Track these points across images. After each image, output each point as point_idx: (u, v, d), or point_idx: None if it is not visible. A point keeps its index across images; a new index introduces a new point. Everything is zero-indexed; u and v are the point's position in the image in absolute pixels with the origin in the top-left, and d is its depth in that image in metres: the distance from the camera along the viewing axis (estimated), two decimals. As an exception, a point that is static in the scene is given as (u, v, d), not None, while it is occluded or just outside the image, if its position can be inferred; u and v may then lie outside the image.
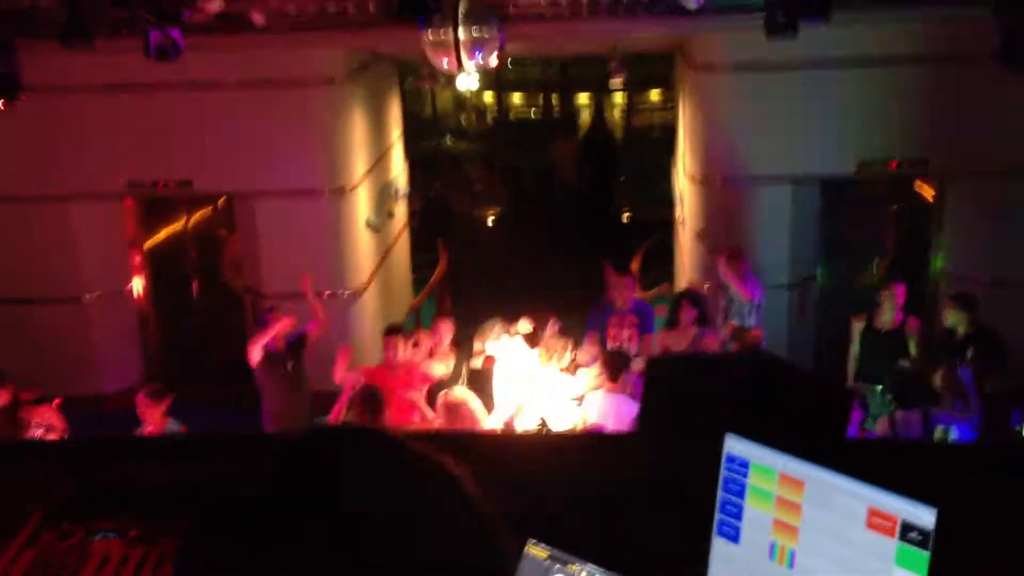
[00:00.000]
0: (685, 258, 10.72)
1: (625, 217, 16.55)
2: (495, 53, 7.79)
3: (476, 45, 7.60)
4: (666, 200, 13.48)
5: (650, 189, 16.14)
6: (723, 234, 9.79)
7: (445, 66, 7.80)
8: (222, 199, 11.41)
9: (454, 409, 6.81)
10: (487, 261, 13.93)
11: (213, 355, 11.23)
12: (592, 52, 14.30)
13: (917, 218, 10.70)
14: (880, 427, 7.16)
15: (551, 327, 8.31)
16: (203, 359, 11.27)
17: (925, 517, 1.87)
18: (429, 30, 7.45)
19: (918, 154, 9.77)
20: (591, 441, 2.97)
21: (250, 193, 10.54)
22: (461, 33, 7.37)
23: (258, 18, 8.41)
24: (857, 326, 8.62)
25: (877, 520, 1.94)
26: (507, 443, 2.93)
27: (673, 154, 12.84)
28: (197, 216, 11.82)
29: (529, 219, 15.75)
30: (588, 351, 8.21)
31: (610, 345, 8.32)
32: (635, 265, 10.57)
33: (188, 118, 10.23)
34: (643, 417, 2.53)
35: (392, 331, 8.32)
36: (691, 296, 8.64)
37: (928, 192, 10.55)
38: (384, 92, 12.63)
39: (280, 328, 8.31)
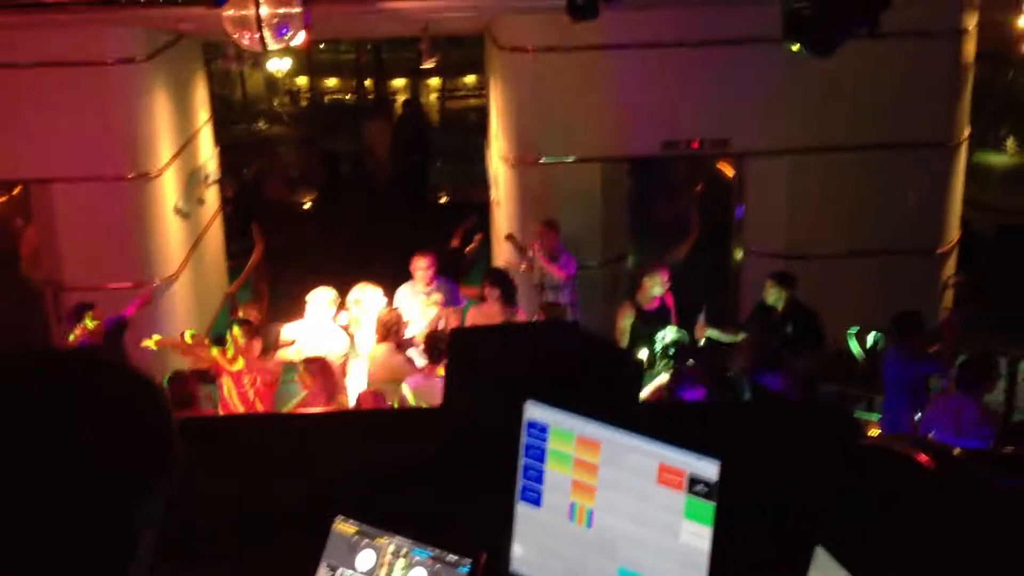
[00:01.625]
0: (501, 239, 10.83)
1: (442, 199, 16.60)
2: (301, 31, 7.65)
3: (280, 22, 7.45)
4: (483, 182, 13.60)
5: (466, 172, 16.23)
6: (535, 214, 9.98)
7: (247, 44, 7.61)
8: (17, 187, 10.79)
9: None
10: (304, 246, 13.71)
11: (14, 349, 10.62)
12: (404, 34, 14.27)
13: (720, 197, 11.17)
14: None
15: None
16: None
17: (709, 469, 1.97)
18: (230, 6, 7.25)
19: (720, 134, 10.19)
20: (399, 416, 2.98)
21: (47, 180, 10.01)
22: (263, 9, 7.21)
23: (49, -6, 7.98)
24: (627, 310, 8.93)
25: (667, 475, 2.03)
26: (314, 422, 2.91)
27: (487, 136, 12.95)
28: (-10, 204, 11.16)
29: (345, 203, 15.59)
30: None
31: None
32: (455, 243, 10.66)
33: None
34: (447, 388, 2.56)
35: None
36: (493, 275, 8.84)
37: (727, 170, 11.04)
38: (189, 74, 12.19)
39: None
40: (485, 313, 8.34)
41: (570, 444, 2.18)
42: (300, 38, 7.63)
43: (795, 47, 7.07)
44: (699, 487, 1.98)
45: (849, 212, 10.17)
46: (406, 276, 9.25)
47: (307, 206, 15.94)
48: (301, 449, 2.58)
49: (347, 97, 22.30)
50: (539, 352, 2.42)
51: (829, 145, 10.00)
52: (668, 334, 8.45)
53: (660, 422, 2.06)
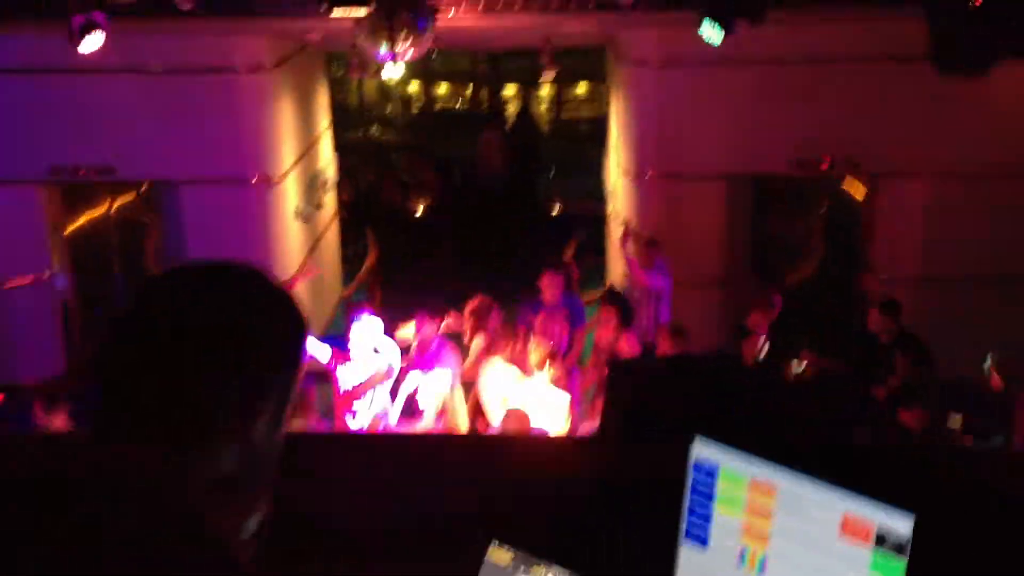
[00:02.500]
0: (617, 253, 10.74)
1: (554, 210, 16.55)
2: (427, 44, 7.72)
3: (408, 35, 7.52)
4: (595, 194, 13.52)
5: (578, 183, 16.15)
6: (655, 230, 9.85)
7: (378, 56, 7.71)
8: (145, 185, 11.13)
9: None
10: (416, 253, 13.82)
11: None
12: (522, 45, 14.28)
13: (847, 217, 10.87)
14: None
15: (495, 318, 8.20)
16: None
17: (902, 524, 1.86)
18: (362, 19, 7.34)
19: (850, 153, 9.91)
20: (555, 443, 2.92)
21: (175, 181, 10.30)
22: (394, 23, 7.28)
23: (185, 3, 8.17)
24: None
25: (852, 527, 1.93)
26: (470, 445, 2.88)
27: (604, 148, 12.88)
28: (120, 202, 11.50)
29: (458, 211, 15.64)
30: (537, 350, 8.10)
31: (540, 341, 8.28)
32: (568, 256, 10.58)
33: (112, 104, 9.95)
34: (605, 420, 2.50)
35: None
36: (609, 296, 8.74)
37: (858, 191, 10.73)
38: (312, 81, 12.44)
39: None
40: (604, 334, 8.25)
41: (742, 487, 2.09)
42: (424, 50, 7.69)
43: (943, 67, 6.83)
44: (888, 542, 1.88)
45: (985, 235, 9.76)
46: (517, 286, 9.23)
47: (420, 213, 16.06)
48: (455, 471, 2.55)
49: (458, 105, 22.43)
50: (707, 387, 2.34)
51: (967, 168, 9.63)
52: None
53: (843, 466, 1.95)
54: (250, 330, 1.35)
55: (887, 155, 9.80)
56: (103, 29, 7.43)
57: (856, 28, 9.27)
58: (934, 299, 9.36)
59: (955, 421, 6.61)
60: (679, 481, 2.18)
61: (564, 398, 7.27)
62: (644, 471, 2.30)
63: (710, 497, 2.14)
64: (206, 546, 1.23)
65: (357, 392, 7.49)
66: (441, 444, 3.26)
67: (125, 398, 1.31)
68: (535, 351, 7.46)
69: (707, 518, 2.15)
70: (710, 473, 2.14)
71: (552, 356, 7.52)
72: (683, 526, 2.19)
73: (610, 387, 2.56)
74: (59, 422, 6.93)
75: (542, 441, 3.40)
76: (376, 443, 3.39)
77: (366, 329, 7.60)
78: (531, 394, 7.28)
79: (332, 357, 7.63)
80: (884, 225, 10.26)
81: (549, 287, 8.59)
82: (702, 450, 2.16)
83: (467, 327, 8.28)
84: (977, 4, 6.87)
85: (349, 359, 7.58)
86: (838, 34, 9.37)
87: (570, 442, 3.71)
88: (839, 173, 10.43)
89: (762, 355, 8.10)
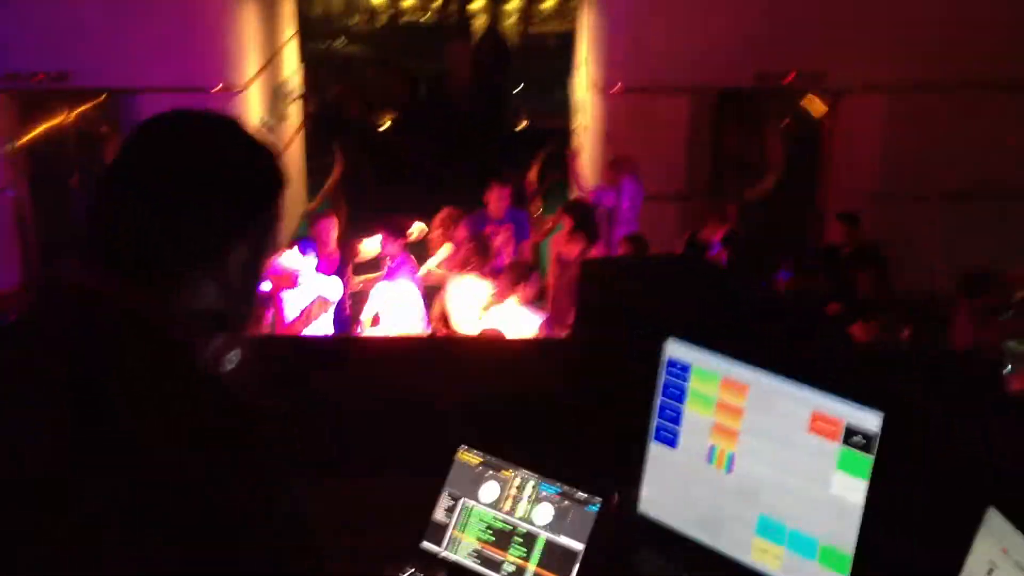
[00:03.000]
0: (583, 165, 10.68)
1: (521, 124, 16.42)
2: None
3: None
4: (560, 108, 13.39)
5: (546, 98, 16.02)
6: (620, 144, 9.80)
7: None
8: (104, 95, 10.86)
9: None
10: (382, 168, 13.66)
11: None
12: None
13: (806, 133, 10.85)
14: None
15: (462, 229, 8.12)
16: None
17: (870, 422, 1.88)
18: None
19: (813, 68, 9.87)
20: (525, 345, 2.91)
21: (133, 88, 10.04)
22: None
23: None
24: None
25: (821, 424, 1.94)
26: (436, 347, 2.86)
27: (572, 63, 12.72)
28: (78, 112, 11.23)
29: (424, 125, 15.45)
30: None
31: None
32: (533, 175, 10.49)
33: (68, 8, 9.65)
34: (579, 320, 2.48)
35: None
36: (569, 206, 8.61)
37: (817, 108, 10.69)
38: (275, -12, 12.13)
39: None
40: (564, 244, 8.18)
41: (714, 385, 2.10)
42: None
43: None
44: (856, 438, 1.89)
45: (946, 152, 9.80)
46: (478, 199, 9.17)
47: (385, 127, 15.85)
48: (424, 375, 2.53)
49: (425, 17, 22.05)
50: (680, 288, 2.33)
51: (929, 82, 9.63)
52: None
53: (815, 366, 1.96)
54: (227, 175, 1.45)
55: (849, 71, 9.77)
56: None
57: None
58: (892, 215, 9.42)
59: (903, 332, 6.71)
60: (650, 381, 2.18)
61: (537, 318, 7.25)
62: (616, 371, 2.30)
63: (680, 397, 2.15)
64: (196, 371, 1.36)
65: (297, 324, 7.35)
66: (409, 345, 3.23)
67: (109, 234, 1.41)
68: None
69: (676, 419, 2.16)
70: (682, 372, 2.14)
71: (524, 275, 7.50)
72: (653, 426, 2.20)
73: (581, 287, 2.54)
74: None
75: (512, 343, 3.39)
76: (342, 347, 3.36)
77: (309, 264, 7.44)
78: (504, 314, 7.26)
79: (277, 281, 7.41)
80: (843, 141, 10.26)
81: (496, 199, 8.50)
82: (675, 350, 2.16)
83: (434, 236, 8.24)
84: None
85: (295, 285, 7.39)
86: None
87: (541, 343, 3.71)
88: (801, 88, 10.37)
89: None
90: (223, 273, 1.43)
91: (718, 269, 2.63)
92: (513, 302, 7.28)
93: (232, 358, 1.43)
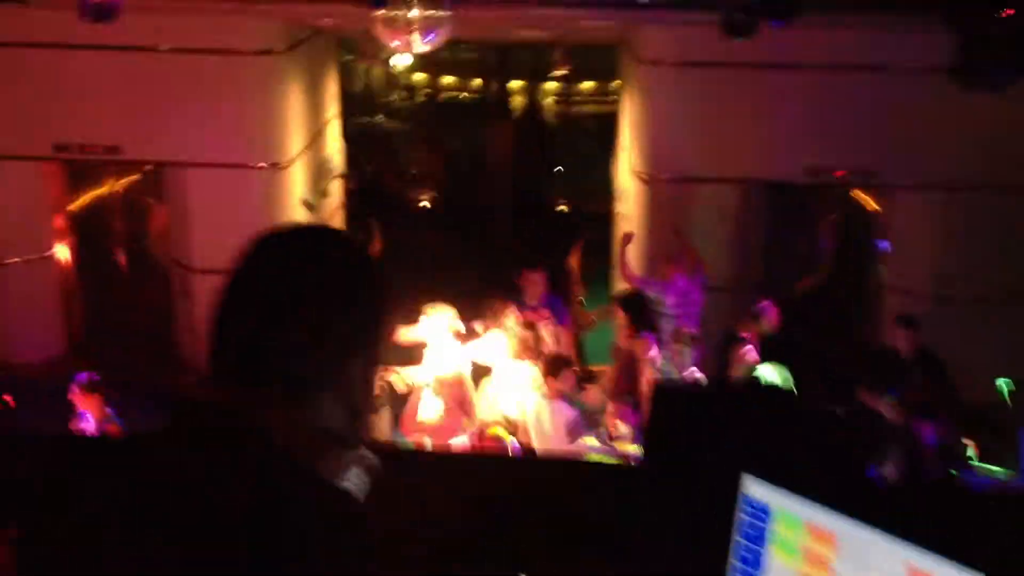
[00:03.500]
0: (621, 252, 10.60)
1: (561, 208, 16.43)
2: (445, 35, 7.58)
3: (429, 26, 7.38)
4: (601, 192, 13.38)
5: (585, 180, 16.04)
6: (664, 234, 9.71)
7: (394, 45, 7.57)
8: (150, 167, 11.00)
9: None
10: (420, 245, 13.68)
11: (138, 326, 10.87)
12: (535, 39, 14.14)
13: (858, 229, 10.72)
14: None
15: (511, 315, 8.06)
16: (127, 330, 10.86)
17: (972, 583, 1.75)
18: (382, 7, 7.20)
19: (866, 163, 9.78)
20: (594, 469, 2.80)
21: (181, 163, 10.17)
22: (415, 13, 7.14)
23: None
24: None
25: (918, 581, 1.82)
26: (499, 466, 2.76)
27: (614, 147, 12.74)
28: (125, 182, 11.38)
29: (463, 203, 15.51)
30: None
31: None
32: (574, 260, 10.45)
33: (120, 82, 9.82)
34: (648, 448, 2.38)
35: None
36: (622, 300, 8.51)
37: (869, 203, 10.59)
38: (322, 67, 12.30)
39: None
40: (622, 338, 8.14)
41: (798, 531, 1.98)
42: (443, 41, 7.55)
43: (963, 80, 6.72)
44: (957, 600, 1.77)
45: (1001, 253, 9.62)
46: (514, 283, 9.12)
47: (424, 203, 15.93)
48: (489, 490, 2.43)
49: (464, 95, 22.29)
50: (756, 420, 2.23)
51: (982, 182, 9.51)
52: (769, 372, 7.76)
53: (907, 516, 1.84)
54: (344, 290, 1.48)
55: (901, 167, 9.67)
56: (117, 7, 7.28)
57: (877, 36, 9.13)
58: (948, 318, 9.21)
59: (970, 449, 6.51)
60: (726, 519, 2.07)
61: (570, 412, 7.14)
62: (689, 505, 2.19)
63: (760, 540, 2.03)
64: (321, 488, 1.36)
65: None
66: (480, 462, 3.13)
67: (232, 350, 1.44)
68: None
69: (756, 562, 2.04)
70: (762, 513, 2.03)
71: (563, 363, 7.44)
72: (730, 568, 2.09)
73: (652, 413, 2.44)
74: (93, 405, 6.90)
75: (580, 466, 3.28)
76: (407, 458, 3.27)
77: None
78: (537, 405, 7.19)
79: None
80: (897, 239, 10.11)
81: (531, 285, 8.43)
82: (753, 489, 2.05)
83: (483, 324, 8.15)
84: (1004, 15, 6.75)
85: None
86: (858, 41, 9.22)
87: (610, 469, 3.58)
88: (853, 183, 10.28)
89: (748, 361, 7.99)
90: (344, 387, 1.44)
91: (792, 399, 2.53)
92: (545, 394, 7.21)
93: (352, 476, 1.45)
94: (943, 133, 9.37)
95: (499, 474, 2.45)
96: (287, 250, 1.52)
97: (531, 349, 7.59)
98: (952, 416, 6.91)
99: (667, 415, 2.30)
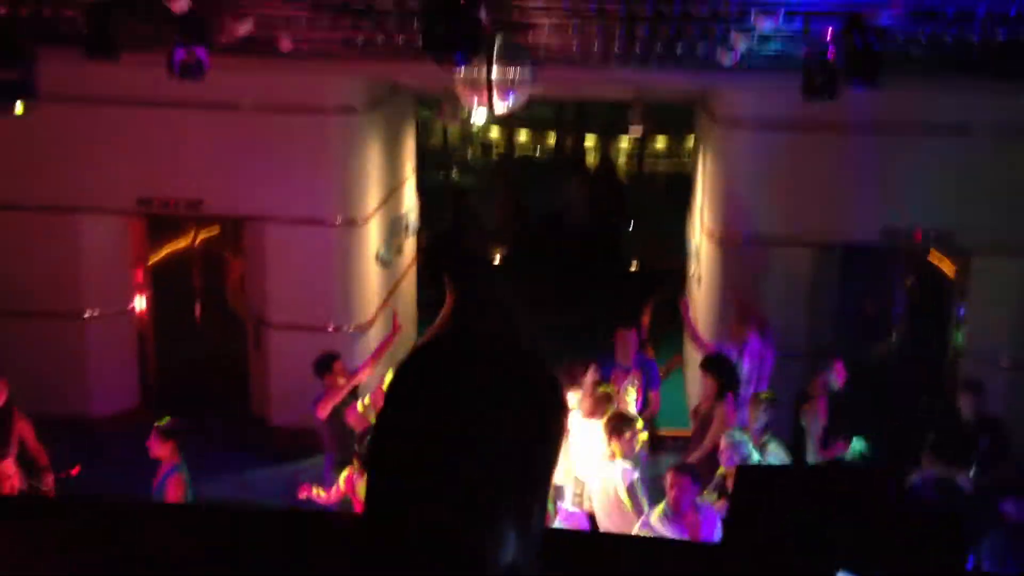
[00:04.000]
0: (699, 314, 10.48)
1: (635, 265, 16.34)
2: (527, 96, 7.63)
3: (509, 86, 7.44)
4: (674, 250, 13.29)
5: (658, 237, 15.96)
6: (738, 294, 9.61)
7: (476, 105, 7.64)
8: (230, 220, 11.20)
9: None
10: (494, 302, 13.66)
11: (212, 379, 11.00)
12: (611, 97, 14.18)
13: (935, 293, 10.49)
14: None
15: (591, 375, 8.04)
16: (201, 383, 10.99)
17: None
18: (463, 68, 7.27)
19: (943, 226, 9.58)
20: (673, 548, 2.71)
21: (260, 217, 10.33)
22: (496, 73, 7.21)
23: (285, 44, 8.20)
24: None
25: None
26: (585, 542, 2.68)
27: (688, 206, 12.66)
28: (204, 236, 11.60)
29: (537, 260, 15.50)
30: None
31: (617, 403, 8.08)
32: (646, 319, 10.36)
33: (204, 138, 10.06)
34: (731, 534, 2.30)
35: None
36: (707, 361, 8.40)
37: (946, 266, 10.36)
38: (400, 124, 12.46)
39: (359, 380, 8.04)
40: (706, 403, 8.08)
41: (895, 632, 1.88)
42: (523, 101, 7.60)
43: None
44: None
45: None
46: (598, 342, 9.08)
47: (498, 261, 15.95)
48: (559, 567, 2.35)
49: (538, 152, 22.41)
50: (852, 509, 2.13)
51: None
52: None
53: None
54: (532, 422, 1.29)
55: (981, 231, 9.45)
56: (205, 65, 7.46)
57: (957, 97, 8.98)
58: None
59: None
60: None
61: (631, 473, 7.05)
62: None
63: (855, 639, 1.93)
64: None
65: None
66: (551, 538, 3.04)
67: (414, 483, 1.25)
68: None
69: (850, 663, 1.94)
70: (856, 612, 1.93)
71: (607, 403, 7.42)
72: (820, 667, 1.98)
73: (736, 494, 2.36)
74: (166, 452, 7.02)
75: (658, 544, 3.18)
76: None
77: None
78: (599, 464, 7.12)
79: None
80: (975, 305, 9.85)
81: (623, 346, 8.42)
82: (847, 585, 1.95)
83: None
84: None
85: None
86: (939, 103, 9.08)
87: (691, 548, 3.48)
88: (930, 245, 10.07)
89: (819, 425, 7.89)
90: (528, 521, 1.27)
91: (891, 487, 2.42)
92: (607, 454, 7.13)
93: None
94: (1018, 195, 9.16)
95: (580, 550, 2.36)
96: (453, 385, 1.30)
97: (603, 408, 7.53)
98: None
99: (751, 498, 2.21)
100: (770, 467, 6.29)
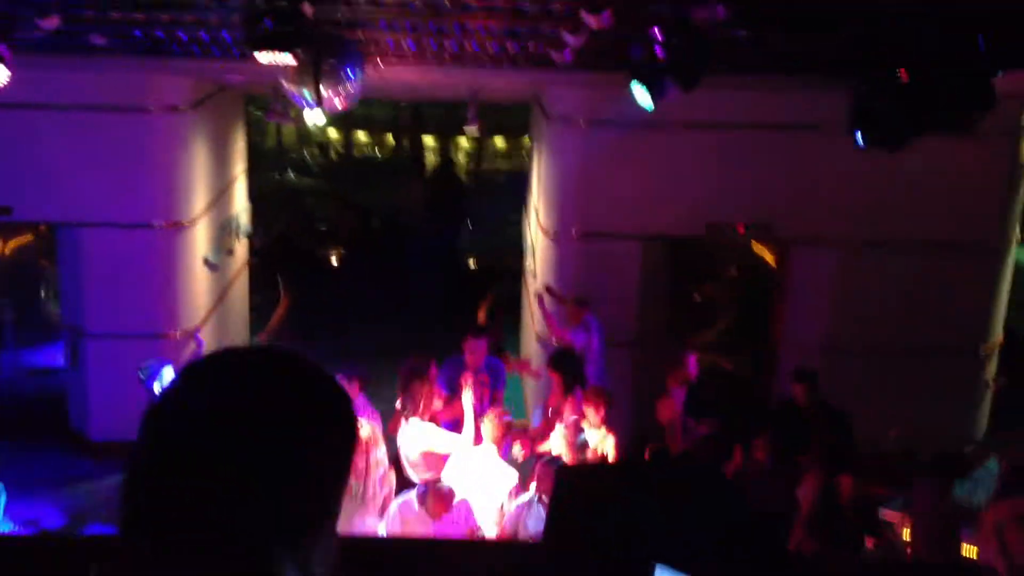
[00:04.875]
0: (534, 309, 10.57)
1: (472, 263, 16.38)
2: (355, 93, 7.48)
3: (339, 84, 7.27)
4: (512, 248, 13.40)
5: (496, 236, 16.07)
6: (572, 289, 9.75)
7: (302, 103, 7.44)
8: (43, 227, 10.60)
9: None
10: (331, 302, 13.46)
11: (27, 396, 10.43)
12: (447, 97, 14.14)
13: (759, 282, 10.91)
14: None
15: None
16: (17, 400, 10.40)
17: None
18: (291, 66, 7.07)
19: (765, 218, 9.95)
20: (495, 549, 2.66)
21: (76, 224, 9.80)
22: (324, 71, 7.02)
23: (99, 39, 7.81)
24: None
25: None
26: (409, 547, 2.59)
27: (524, 203, 12.76)
28: (15, 244, 10.96)
29: (374, 260, 15.35)
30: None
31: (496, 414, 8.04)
32: (481, 316, 10.38)
33: (12, 139, 9.48)
34: (552, 532, 2.26)
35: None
36: (554, 359, 8.56)
37: (769, 256, 10.78)
38: (229, 123, 12.08)
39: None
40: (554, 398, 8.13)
41: (709, 624, 1.88)
42: (355, 99, 7.44)
43: (863, 139, 6.88)
44: None
45: (892, 308, 9.90)
46: (436, 341, 9.04)
47: (335, 262, 15.72)
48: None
49: (377, 151, 22.22)
50: (666, 505, 2.12)
51: (876, 239, 9.76)
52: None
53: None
54: (307, 443, 1.18)
55: (799, 223, 9.88)
56: (6, 64, 7.01)
57: (778, 97, 9.34)
58: (841, 369, 9.40)
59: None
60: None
61: (512, 476, 7.07)
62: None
63: (671, 633, 1.92)
64: None
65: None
66: (378, 546, 2.96)
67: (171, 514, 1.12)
68: (490, 424, 7.28)
69: (667, 657, 1.93)
70: (672, 606, 1.92)
71: (508, 429, 7.38)
72: (638, 663, 1.96)
73: (556, 495, 2.33)
74: None
75: (483, 545, 3.12)
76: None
77: None
78: (477, 466, 7.08)
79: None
80: (794, 292, 10.29)
81: (472, 351, 8.42)
82: (662, 579, 1.94)
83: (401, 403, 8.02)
84: (904, 80, 6.91)
85: None
86: (759, 102, 9.42)
87: (510, 548, 3.43)
88: (751, 238, 10.46)
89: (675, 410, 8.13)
90: (307, 561, 1.15)
91: (707, 481, 2.42)
92: (492, 455, 7.14)
93: None
94: (837, 190, 9.63)
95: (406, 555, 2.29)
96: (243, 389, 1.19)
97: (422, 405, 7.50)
98: (856, 469, 7.04)
99: (571, 498, 2.18)
100: (589, 464, 6.38)
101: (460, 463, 7.11)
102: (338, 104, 7.17)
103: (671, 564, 1.93)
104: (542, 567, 2.25)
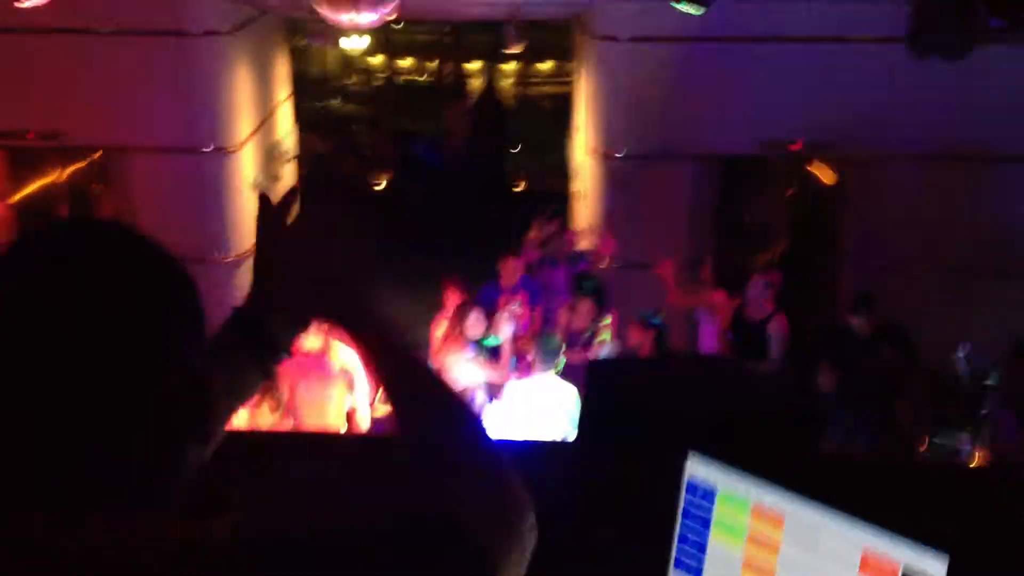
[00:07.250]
0: (582, 232, 10.48)
1: (519, 187, 16.27)
2: (389, 11, 7.35)
3: (372, 1, 7.15)
4: (559, 171, 13.25)
5: (543, 159, 15.91)
6: (620, 209, 9.64)
7: (337, 22, 7.34)
8: (98, 153, 10.70)
9: None
10: (376, 227, 13.44)
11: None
12: (489, 17, 13.92)
13: (816, 202, 10.67)
14: None
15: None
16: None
17: (933, 566, 1.61)
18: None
19: (822, 136, 9.67)
20: (525, 449, 2.66)
21: (126, 148, 9.88)
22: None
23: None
24: None
25: (873, 565, 1.68)
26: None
27: (569, 126, 12.60)
28: (71, 170, 11.07)
29: (420, 185, 15.28)
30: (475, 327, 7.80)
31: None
32: (532, 238, 10.31)
33: (61, 66, 9.50)
34: (584, 426, 2.23)
35: None
36: (580, 279, 8.48)
37: (827, 175, 10.53)
38: (271, 49, 12.02)
39: None
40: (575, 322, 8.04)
41: (744, 513, 1.84)
42: (390, 16, 7.33)
43: (920, 50, 6.66)
44: (915, 583, 1.63)
45: (960, 226, 9.58)
46: (481, 265, 8.99)
47: (380, 186, 15.69)
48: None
49: (422, 78, 22.04)
50: (701, 394, 2.08)
51: (940, 153, 9.45)
52: None
53: (864, 495, 1.70)
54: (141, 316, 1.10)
55: (859, 139, 9.58)
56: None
57: (835, 8, 9.03)
58: (905, 288, 9.18)
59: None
60: (669, 502, 1.92)
61: (571, 391, 6.70)
62: (629, 488, 2.04)
63: (706, 523, 1.89)
64: None
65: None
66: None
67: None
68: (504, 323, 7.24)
69: (702, 547, 1.90)
70: (706, 496, 1.88)
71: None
72: (673, 553, 1.94)
73: (588, 388, 2.29)
74: None
75: (511, 446, 3.13)
76: (327, 443, 3.11)
77: None
78: (538, 388, 6.92)
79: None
80: (855, 211, 10.05)
81: (508, 272, 8.36)
82: (697, 469, 1.90)
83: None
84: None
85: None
86: (812, 13, 9.12)
87: (545, 447, 3.42)
88: (809, 156, 10.20)
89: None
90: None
91: (744, 372, 2.38)
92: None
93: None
94: (898, 104, 9.30)
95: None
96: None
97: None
98: (920, 390, 6.87)
99: (602, 390, 2.14)
100: (624, 358, 6.33)
101: (512, 398, 6.94)
102: (371, 22, 7.05)
103: (705, 453, 1.89)
104: (567, 465, 2.23)
